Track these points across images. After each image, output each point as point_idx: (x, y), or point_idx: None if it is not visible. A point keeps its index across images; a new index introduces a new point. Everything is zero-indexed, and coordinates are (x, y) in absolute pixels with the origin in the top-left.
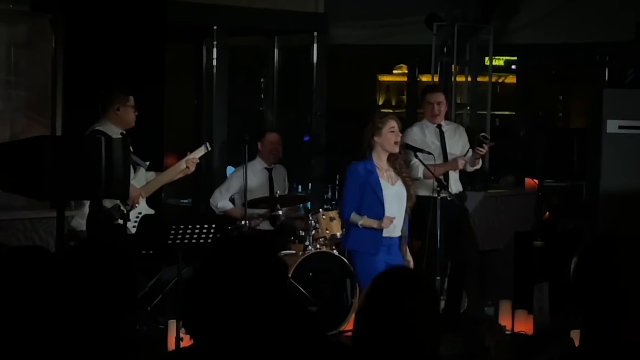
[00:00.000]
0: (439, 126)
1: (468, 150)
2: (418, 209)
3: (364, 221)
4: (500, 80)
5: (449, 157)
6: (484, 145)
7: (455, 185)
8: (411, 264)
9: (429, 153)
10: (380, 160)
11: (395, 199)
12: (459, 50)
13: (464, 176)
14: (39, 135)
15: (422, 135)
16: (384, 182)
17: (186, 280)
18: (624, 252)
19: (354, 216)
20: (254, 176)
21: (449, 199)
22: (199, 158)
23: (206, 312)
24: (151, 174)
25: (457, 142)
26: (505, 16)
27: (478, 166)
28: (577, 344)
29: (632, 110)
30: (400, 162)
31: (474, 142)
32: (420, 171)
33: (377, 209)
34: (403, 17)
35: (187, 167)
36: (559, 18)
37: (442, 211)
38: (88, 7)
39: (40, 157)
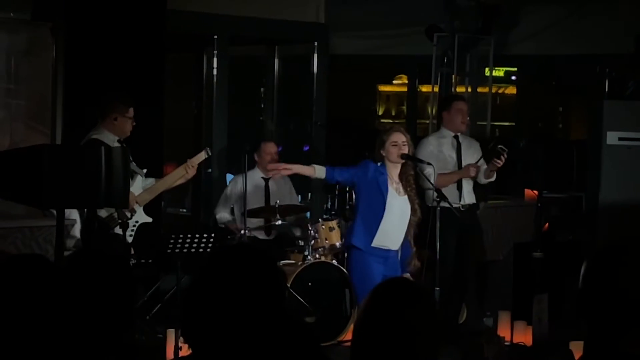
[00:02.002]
0: (456, 137)
1: (479, 159)
2: (424, 220)
3: None
4: (500, 91)
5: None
6: (501, 157)
7: (468, 196)
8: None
9: (429, 164)
10: (391, 172)
11: (398, 211)
12: (459, 61)
13: (476, 187)
14: (39, 144)
15: (439, 145)
16: (392, 191)
17: (185, 289)
18: (631, 263)
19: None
20: (250, 186)
21: (462, 209)
22: (200, 164)
23: (205, 321)
24: (151, 181)
25: (472, 155)
26: (505, 27)
27: (492, 179)
28: (576, 355)
29: (632, 122)
30: (408, 178)
31: (493, 153)
32: (432, 180)
33: (378, 208)
34: (404, 27)
35: (187, 172)
36: (560, 30)
37: (450, 222)
38: (89, 16)
39: (40, 165)
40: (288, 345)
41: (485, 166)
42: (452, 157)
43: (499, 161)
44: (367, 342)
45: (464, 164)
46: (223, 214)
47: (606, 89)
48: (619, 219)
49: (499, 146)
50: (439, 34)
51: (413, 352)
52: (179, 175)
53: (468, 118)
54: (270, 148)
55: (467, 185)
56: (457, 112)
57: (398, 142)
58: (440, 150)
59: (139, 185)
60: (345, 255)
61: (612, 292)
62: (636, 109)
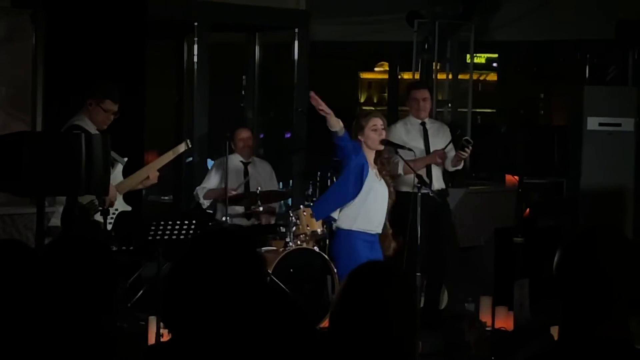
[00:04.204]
0: (423, 123)
1: (448, 143)
2: (399, 205)
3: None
4: (481, 78)
5: None
6: (465, 149)
7: (437, 182)
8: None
9: (410, 149)
10: (368, 156)
11: (380, 195)
12: (440, 47)
13: (445, 173)
14: (19, 131)
15: (406, 132)
16: (372, 175)
17: (166, 274)
18: (607, 247)
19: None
20: (231, 170)
21: (430, 195)
22: (181, 153)
23: (184, 306)
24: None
25: (441, 141)
26: (486, 13)
27: (459, 167)
28: (556, 339)
29: (612, 108)
30: (382, 161)
31: (457, 145)
32: (400, 167)
33: (357, 192)
34: (384, 14)
35: (149, 176)
36: (540, 16)
37: (423, 207)
38: (68, 3)
39: (20, 153)
40: (276, 326)
41: (453, 152)
42: (420, 143)
43: (463, 153)
44: (345, 325)
45: (431, 149)
46: (202, 187)
47: (587, 75)
48: (600, 204)
49: (464, 138)
50: (419, 20)
51: (390, 334)
52: (142, 178)
53: (449, 105)
54: (243, 134)
55: (437, 171)
56: (412, 100)
57: (377, 126)
58: (407, 137)
59: (120, 174)
60: (327, 241)
61: (588, 277)
62: (616, 94)
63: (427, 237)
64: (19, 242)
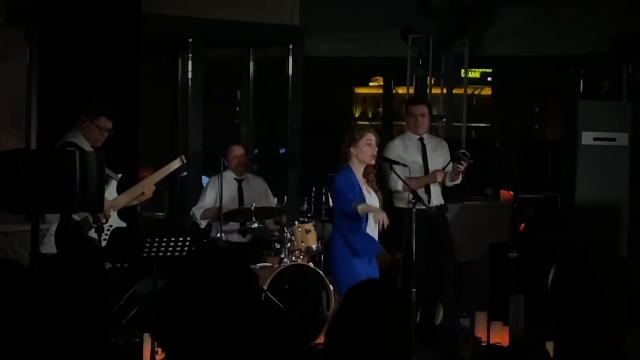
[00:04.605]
0: (421, 139)
1: (448, 163)
2: (396, 221)
3: (362, 207)
4: (476, 92)
5: (430, 171)
6: (462, 162)
7: (436, 198)
8: None
9: (404, 165)
10: (357, 171)
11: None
12: (435, 62)
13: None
14: (13, 149)
15: (404, 148)
16: (365, 192)
17: (158, 292)
18: (601, 263)
19: (354, 205)
20: (224, 187)
21: (426, 210)
22: (175, 169)
23: (176, 324)
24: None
25: (439, 157)
26: (480, 28)
27: (457, 181)
28: (552, 355)
29: (606, 122)
30: (372, 176)
31: (453, 158)
32: (399, 184)
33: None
34: (379, 29)
35: (144, 192)
36: (535, 30)
37: (421, 223)
38: (63, 20)
39: (15, 170)
40: (271, 343)
41: (451, 167)
42: (418, 158)
43: (459, 166)
44: (341, 343)
45: (430, 166)
46: (199, 207)
47: (581, 90)
48: (595, 219)
49: (460, 151)
50: (413, 35)
51: (385, 352)
52: (137, 194)
53: (444, 119)
54: (236, 151)
55: (435, 187)
56: (411, 116)
57: (372, 142)
58: (406, 153)
59: (114, 191)
60: (322, 257)
61: (583, 293)
62: (611, 109)
63: (426, 252)
64: (12, 262)
